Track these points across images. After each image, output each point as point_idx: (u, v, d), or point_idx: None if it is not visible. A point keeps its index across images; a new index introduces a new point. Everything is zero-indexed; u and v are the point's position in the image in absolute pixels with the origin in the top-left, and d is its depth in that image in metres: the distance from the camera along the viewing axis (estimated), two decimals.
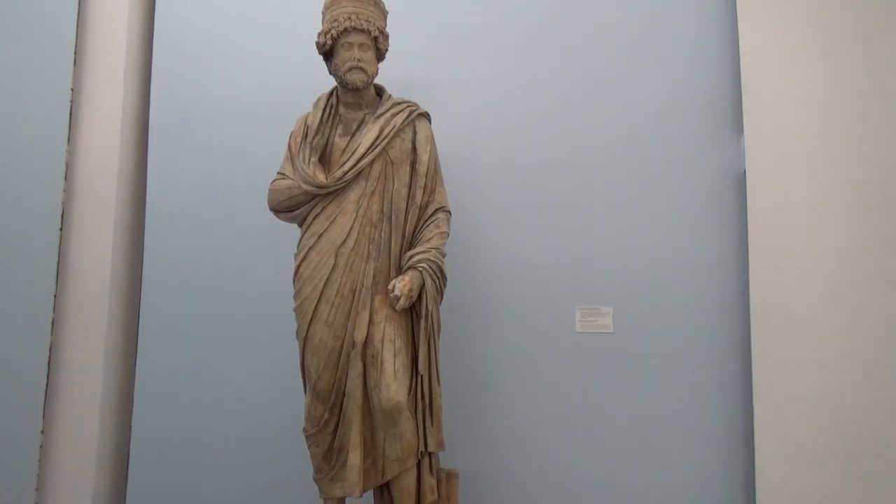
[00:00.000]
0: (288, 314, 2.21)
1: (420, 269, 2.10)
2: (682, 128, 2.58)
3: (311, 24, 2.32)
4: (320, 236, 2.13)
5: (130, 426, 2.73)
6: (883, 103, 2.40)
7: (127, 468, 2.71)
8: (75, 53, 2.78)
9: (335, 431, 2.14)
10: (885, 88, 2.40)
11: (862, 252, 2.35)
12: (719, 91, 2.56)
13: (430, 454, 2.14)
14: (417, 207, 2.19)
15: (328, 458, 2.16)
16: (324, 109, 2.22)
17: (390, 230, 2.16)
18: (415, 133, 2.23)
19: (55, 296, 2.67)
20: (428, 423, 2.12)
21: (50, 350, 2.65)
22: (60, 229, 2.70)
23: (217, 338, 2.71)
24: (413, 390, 2.12)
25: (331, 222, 2.13)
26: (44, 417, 2.61)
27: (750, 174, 2.44)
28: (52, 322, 2.66)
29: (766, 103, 2.46)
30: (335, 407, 2.14)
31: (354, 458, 2.07)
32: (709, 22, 2.60)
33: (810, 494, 2.29)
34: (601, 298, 2.55)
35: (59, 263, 2.69)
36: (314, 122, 2.20)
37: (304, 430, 2.19)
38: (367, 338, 2.09)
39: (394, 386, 2.04)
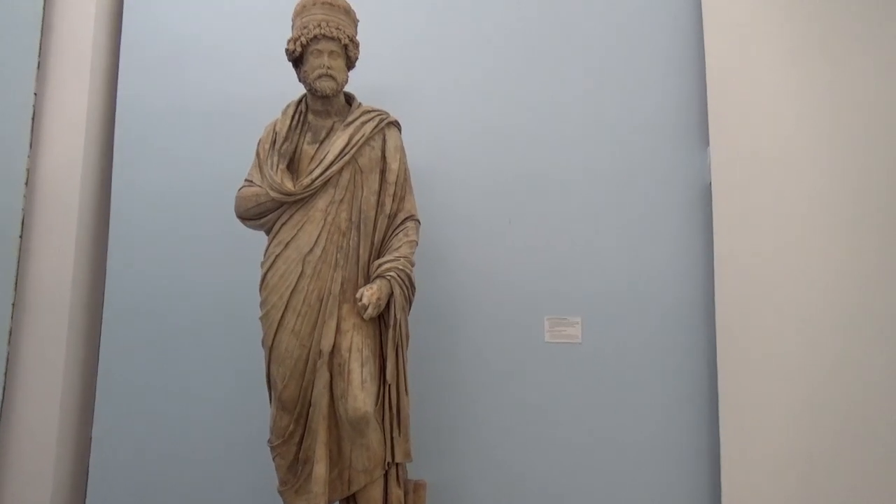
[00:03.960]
0: (254, 323, 2.18)
1: (389, 277, 2.09)
2: (649, 140, 2.61)
3: (279, 32, 2.31)
4: (287, 244, 2.11)
5: (90, 437, 2.66)
6: (849, 116, 2.44)
7: (86, 480, 2.64)
8: (39, 57, 2.73)
9: (300, 442, 2.11)
10: (850, 101, 2.44)
11: (827, 263, 2.39)
12: (685, 104, 2.60)
13: (397, 465, 2.12)
14: (386, 216, 2.18)
15: (293, 470, 2.13)
16: (293, 116, 2.21)
17: (359, 238, 2.14)
18: (384, 141, 2.22)
19: (13, 304, 2.61)
20: (395, 434, 2.10)
21: (7, 360, 2.58)
22: (20, 236, 2.64)
23: (181, 347, 2.67)
24: (380, 400, 2.10)
25: (298, 230, 2.11)
26: None
27: (715, 186, 2.48)
28: (10, 331, 2.59)
29: (732, 116, 2.50)
30: (301, 417, 2.11)
31: (320, 469, 2.04)
32: (676, 36, 2.65)
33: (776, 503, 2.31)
34: (570, 308, 2.56)
35: (18, 271, 2.63)
36: (283, 129, 2.18)
37: (269, 441, 2.16)
38: (333, 347, 2.07)
39: (361, 396, 2.01)
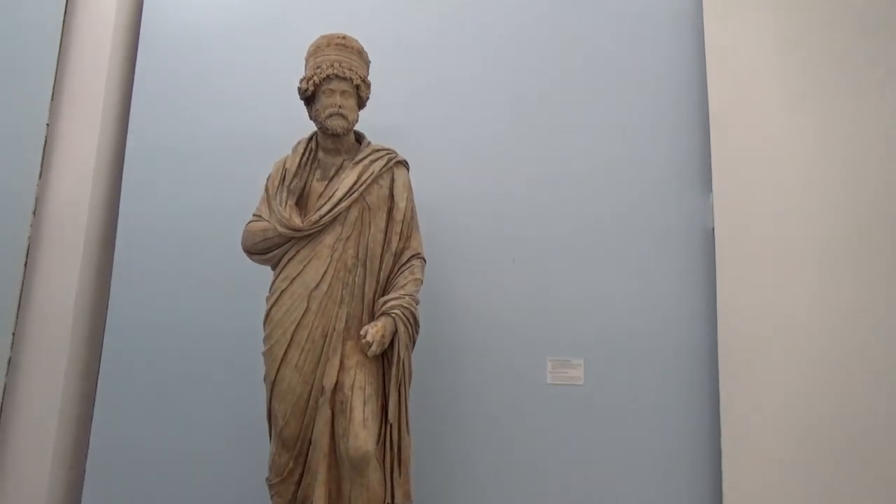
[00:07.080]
0: (256, 359, 2.16)
1: (393, 315, 2.09)
2: (652, 185, 2.64)
3: (289, 70, 2.36)
4: (293, 279, 2.11)
5: (84, 473, 2.61)
6: (850, 160, 2.47)
7: None
8: (53, 90, 2.77)
9: (299, 481, 2.08)
10: (852, 146, 2.48)
11: (830, 307, 2.40)
12: (688, 150, 2.64)
13: None
14: (392, 254, 2.19)
15: None
16: (303, 154, 2.23)
17: (364, 275, 2.14)
18: (392, 180, 2.24)
19: (13, 334, 2.59)
20: (396, 474, 2.06)
21: (4, 392, 2.55)
22: (25, 265, 2.64)
23: (182, 382, 2.64)
24: (382, 439, 2.07)
25: (305, 266, 2.11)
26: None
27: (718, 230, 2.50)
28: (9, 362, 2.57)
29: (734, 162, 2.53)
30: (301, 455, 2.08)
31: None
32: (679, 83, 2.70)
33: None
34: (572, 350, 2.55)
35: (20, 302, 2.62)
36: (293, 166, 2.21)
37: (268, 479, 2.12)
38: (336, 384, 2.05)
39: (362, 434, 1.99)
